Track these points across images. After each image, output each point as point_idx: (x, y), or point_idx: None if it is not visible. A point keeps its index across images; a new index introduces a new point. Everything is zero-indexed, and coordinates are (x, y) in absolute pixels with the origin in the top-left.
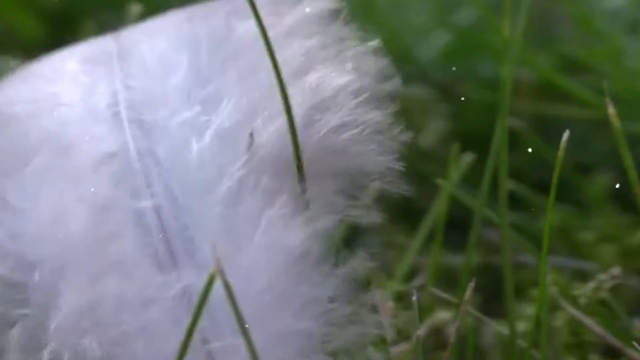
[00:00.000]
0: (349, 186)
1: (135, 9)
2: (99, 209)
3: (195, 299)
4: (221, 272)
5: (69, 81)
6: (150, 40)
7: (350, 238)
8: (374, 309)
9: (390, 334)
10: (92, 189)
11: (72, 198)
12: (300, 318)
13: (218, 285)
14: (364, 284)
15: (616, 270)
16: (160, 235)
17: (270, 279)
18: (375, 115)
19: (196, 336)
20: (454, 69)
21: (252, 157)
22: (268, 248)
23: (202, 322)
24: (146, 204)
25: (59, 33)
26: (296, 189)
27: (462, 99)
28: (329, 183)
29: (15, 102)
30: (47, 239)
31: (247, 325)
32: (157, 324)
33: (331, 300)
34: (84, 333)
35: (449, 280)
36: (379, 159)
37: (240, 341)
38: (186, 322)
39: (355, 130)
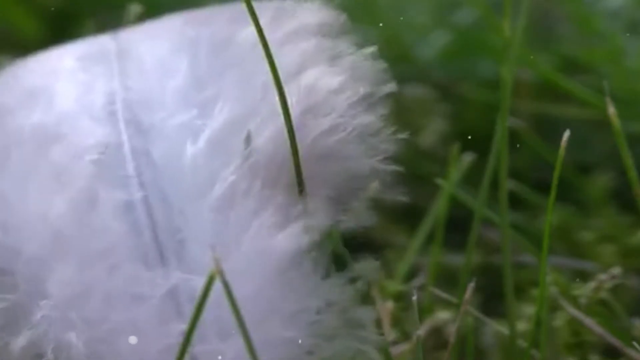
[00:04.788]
0: (341, 190)
1: (135, 9)
2: (86, 202)
3: (183, 300)
4: (220, 273)
5: (66, 78)
6: (150, 41)
7: (346, 244)
8: (364, 322)
9: (390, 335)
10: (81, 183)
11: (60, 190)
12: (287, 327)
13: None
14: (362, 293)
15: (616, 270)
16: (151, 236)
17: (259, 286)
18: (368, 118)
19: (180, 339)
20: (454, 69)
21: (245, 162)
22: (258, 254)
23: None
24: (138, 201)
25: (59, 33)
26: (290, 195)
27: (462, 98)
28: (321, 187)
29: (10, 96)
30: (33, 230)
31: (235, 330)
32: (144, 323)
33: (319, 311)
34: (69, 326)
35: (449, 280)
36: (372, 162)
37: (224, 346)
38: (173, 323)
39: (347, 133)
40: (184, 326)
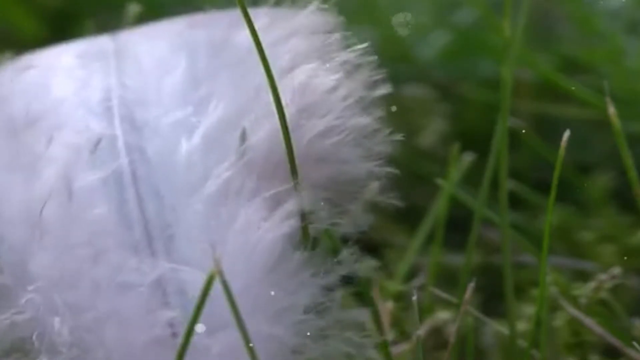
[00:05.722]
0: (338, 193)
1: (135, 9)
2: (74, 191)
3: (170, 291)
4: (220, 273)
5: (63, 74)
6: (148, 42)
7: (342, 245)
8: (355, 324)
9: (389, 335)
10: (70, 173)
11: (48, 179)
12: (273, 324)
13: (198, 284)
14: (357, 294)
15: (616, 270)
16: (142, 230)
17: (247, 283)
18: (364, 120)
19: (166, 330)
20: (454, 69)
21: (240, 159)
22: (247, 251)
23: (175, 316)
24: (130, 195)
25: (59, 33)
26: (285, 193)
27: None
28: (315, 190)
29: (6, 89)
30: (17, 217)
31: (222, 326)
32: (130, 313)
33: (306, 310)
34: (54, 311)
35: (449, 280)
36: (368, 166)
37: (210, 341)
38: (160, 313)
39: (342, 136)
40: (171, 314)
